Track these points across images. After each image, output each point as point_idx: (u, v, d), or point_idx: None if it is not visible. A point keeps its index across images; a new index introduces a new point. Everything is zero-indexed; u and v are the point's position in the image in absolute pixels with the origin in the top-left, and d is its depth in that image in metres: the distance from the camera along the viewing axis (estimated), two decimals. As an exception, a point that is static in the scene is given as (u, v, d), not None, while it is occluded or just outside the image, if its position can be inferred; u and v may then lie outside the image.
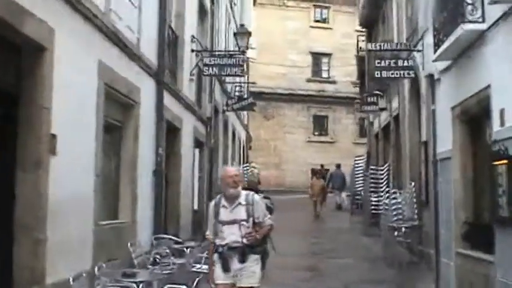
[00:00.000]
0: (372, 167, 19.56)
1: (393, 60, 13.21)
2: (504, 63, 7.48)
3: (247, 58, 34.11)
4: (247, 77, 33.84)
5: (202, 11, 17.04)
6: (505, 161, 7.36)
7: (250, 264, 6.41)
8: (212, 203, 6.71)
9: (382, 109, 18.90)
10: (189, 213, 15.04)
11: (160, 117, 11.58)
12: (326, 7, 41.61)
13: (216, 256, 6.50)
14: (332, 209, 26.13)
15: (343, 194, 27.64)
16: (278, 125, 39.67)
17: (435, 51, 9.68)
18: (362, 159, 22.43)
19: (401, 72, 13.12)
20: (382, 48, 13.76)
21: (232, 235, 6.39)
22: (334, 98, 39.76)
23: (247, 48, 18.58)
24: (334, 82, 40.54)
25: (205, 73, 15.10)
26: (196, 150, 16.28)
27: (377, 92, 18.53)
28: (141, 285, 7.16)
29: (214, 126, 19.55)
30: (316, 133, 40.48)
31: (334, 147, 39.35)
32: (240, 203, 6.47)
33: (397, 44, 14.27)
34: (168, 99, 12.59)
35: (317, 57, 41.11)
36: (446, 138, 10.34)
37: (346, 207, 26.12)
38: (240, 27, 17.72)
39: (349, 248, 16.25)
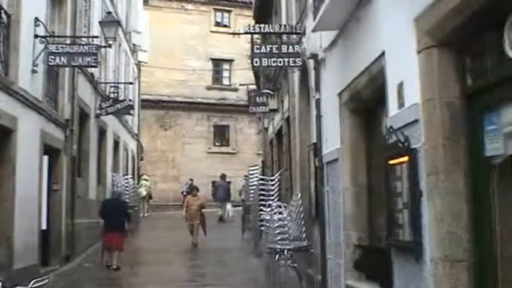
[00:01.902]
0: (261, 177, 17.13)
1: (275, 46, 10.86)
2: (400, 19, 5.12)
3: (140, 58, 31.58)
4: (139, 82, 31.21)
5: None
6: (406, 158, 4.97)
7: None
8: None
9: (272, 110, 16.54)
10: (31, 235, 12.06)
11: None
12: (227, 11, 39.24)
13: None
14: (217, 224, 23.58)
15: (228, 205, 25.90)
16: (176, 135, 36.91)
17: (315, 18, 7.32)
18: (257, 169, 19.99)
19: (286, 60, 10.77)
20: (262, 30, 11.38)
21: None
22: (235, 106, 37.14)
23: (114, 40, 15.67)
24: (235, 90, 37.96)
25: (50, 63, 12.23)
26: (45, 158, 13.28)
27: (265, 91, 16.19)
28: None
29: (81, 131, 16.64)
30: (217, 144, 37.95)
31: (237, 158, 36.97)
32: None
33: (280, 26, 11.77)
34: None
35: (218, 63, 38.69)
36: (335, 136, 7.97)
37: (230, 220, 24.67)
38: (106, 14, 14.83)
39: (231, 273, 13.62)
